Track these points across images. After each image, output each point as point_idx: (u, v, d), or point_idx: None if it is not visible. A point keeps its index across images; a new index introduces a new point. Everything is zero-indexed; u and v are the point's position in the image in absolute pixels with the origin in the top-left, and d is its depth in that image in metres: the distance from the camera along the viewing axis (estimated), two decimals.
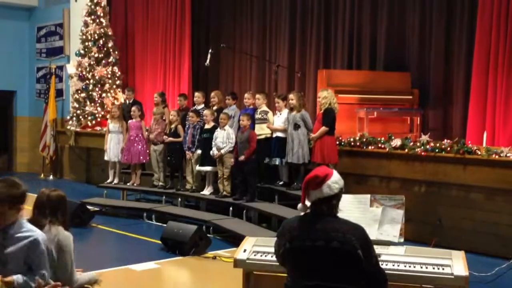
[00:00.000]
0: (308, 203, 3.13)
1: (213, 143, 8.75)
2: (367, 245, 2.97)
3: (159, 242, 7.37)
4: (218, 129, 8.78)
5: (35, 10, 15.27)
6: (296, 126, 8.22)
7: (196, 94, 10.06)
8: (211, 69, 11.66)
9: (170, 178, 9.89)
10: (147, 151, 10.22)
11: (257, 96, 9.01)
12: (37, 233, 3.33)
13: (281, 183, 8.63)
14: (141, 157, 10.24)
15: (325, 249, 2.91)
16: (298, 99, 8.31)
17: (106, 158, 10.75)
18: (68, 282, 3.57)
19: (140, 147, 10.23)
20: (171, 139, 9.64)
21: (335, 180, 3.09)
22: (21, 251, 3.25)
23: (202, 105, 9.87)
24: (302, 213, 3.16)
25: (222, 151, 8.59)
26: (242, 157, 8.31)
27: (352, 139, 8.32)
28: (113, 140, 10.58)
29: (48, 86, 14.09)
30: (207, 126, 9.08)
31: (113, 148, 10.56)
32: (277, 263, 3.25)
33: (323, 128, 7.91)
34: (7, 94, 15.25)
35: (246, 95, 9.26)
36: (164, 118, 10.12)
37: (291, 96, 8.42)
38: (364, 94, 9.04)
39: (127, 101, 11.24)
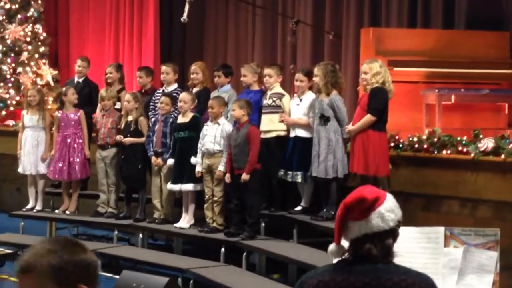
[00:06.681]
0: (346, 243, 3.13)
1: (199, 144, 8.76)
2: None
3: None
4: (208, 122, 8.80)
5: None
6: (324, 119, 8.21)
7: (164, 68, 10.15)
8: (191, 29, 11.73)
9: (125, 202, 9.89)
10: (87, 160, 10.33)
11: (266, 70, 9.06)
12: None
13: (298, 208, 8.65)
14: (79, 171, 10.28)
15: None
16: (325, 75, 8.29)
17: (20, 169, 10.76)
18: None
19: (78, 154, 10.23)
20: (130, 139, 9.64)
21: (391, 207, 3.11)
22: None
23: (175, 85, 9.94)
24: (335, 260, 3.17)
25: (221, 168, 8.55)
26: (245, 176, 8.32)
27: (416, 139, 8.38)
28: (29, 140, 10.58)
29: None
30: (183, 119, 9.08)
31: (28, 153, 10.56)
32: None
33: (368, 117, 7.89)
34: None
35: (244, 70, 9.24)
36: (120, 107, 10.25)
37: (315, 71, 8.50)
38: (435, 67, 9.25)
39: (77, 78, 11.11)
